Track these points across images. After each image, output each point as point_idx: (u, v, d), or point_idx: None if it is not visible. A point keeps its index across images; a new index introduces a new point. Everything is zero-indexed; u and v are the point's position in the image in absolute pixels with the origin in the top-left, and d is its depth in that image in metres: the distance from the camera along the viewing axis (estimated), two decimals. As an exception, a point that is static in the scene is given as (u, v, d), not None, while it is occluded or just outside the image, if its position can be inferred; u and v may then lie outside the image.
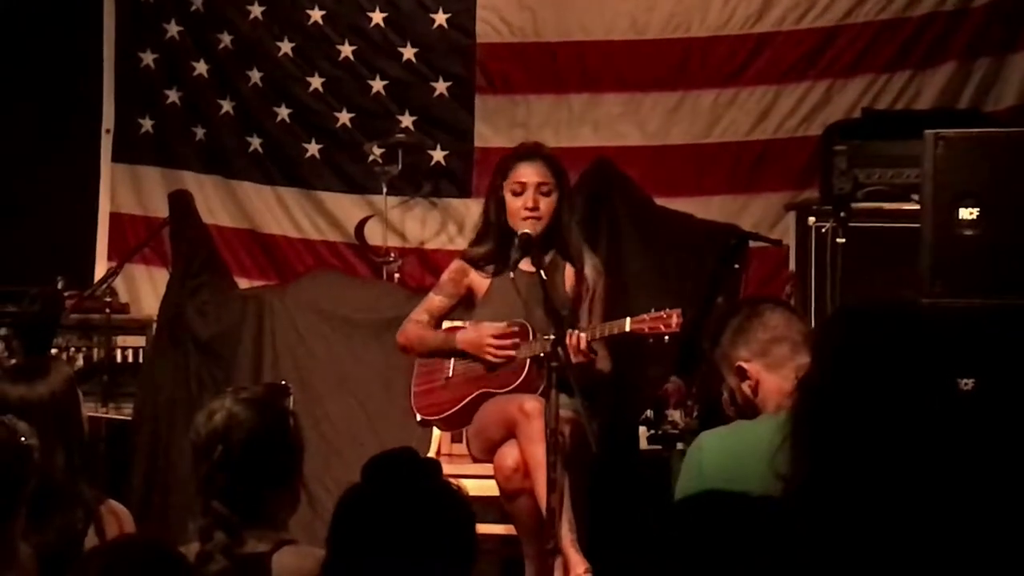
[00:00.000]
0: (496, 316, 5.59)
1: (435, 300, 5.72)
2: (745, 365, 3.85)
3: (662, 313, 5.17)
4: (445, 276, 5.78)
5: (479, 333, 5.55)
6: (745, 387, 3.86)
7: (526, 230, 5.45)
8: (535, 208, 5.51)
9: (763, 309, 3.94)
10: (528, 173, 5.56)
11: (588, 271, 5.62)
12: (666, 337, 5.21)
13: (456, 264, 5.77)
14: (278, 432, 3.46)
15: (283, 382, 3.70)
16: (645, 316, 5.21)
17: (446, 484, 2.72)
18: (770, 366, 3.83)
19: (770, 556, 1.84)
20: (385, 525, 2.61)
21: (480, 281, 5.67)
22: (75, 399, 3.92)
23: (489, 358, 5.51)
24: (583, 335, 5.28)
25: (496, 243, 5.62)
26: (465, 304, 5.74)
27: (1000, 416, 2.32)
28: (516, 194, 5.55)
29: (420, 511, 2.64)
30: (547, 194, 5.55)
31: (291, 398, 3.57)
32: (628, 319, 5.26)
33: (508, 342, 5.50)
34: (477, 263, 5.67)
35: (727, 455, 3.68)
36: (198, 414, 3.48)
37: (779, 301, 4.35)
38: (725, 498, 1.95)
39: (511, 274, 5.56)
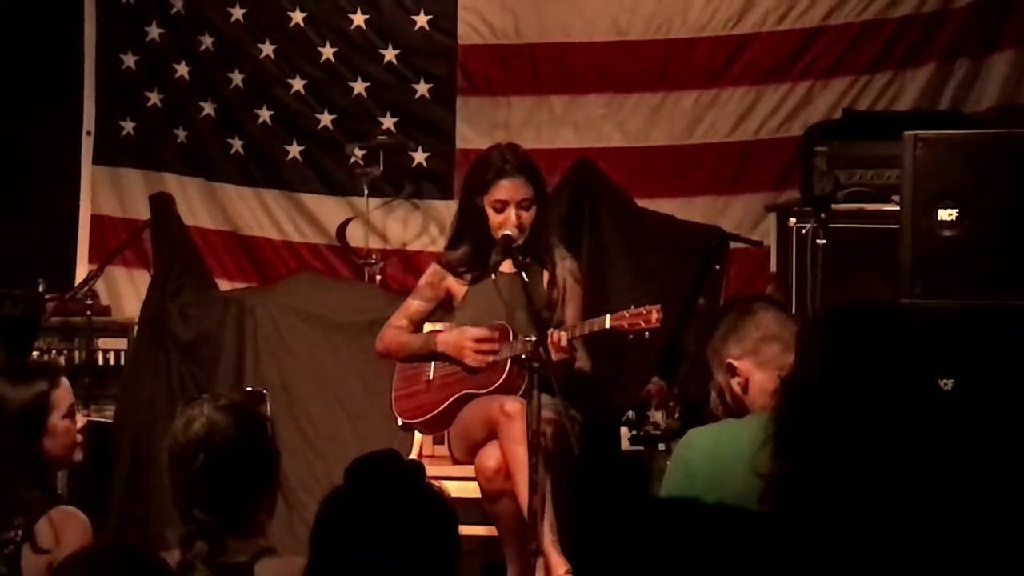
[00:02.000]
0: (476, 319, 5.58)
1: (413, 304, 5.71)
2: (735, 362, 3.87)
3: (642, 309, 5.16)
4: (423, 280, 5.76)
5: (460, 336, 5.55)
6: (735, 384, 3.88)
7: (507, 232, 5.43)
8: (519, 225, 5.48)
9: (757, 308, 3.97)
10: (510, 191, 5.49)
11: (559, 272, 5.60)
12: (646, 333, 5.20)
13: (433, 267, 5.75)
14: (258, 439, 3.44)
15: (250, 388, 3.67)
16: (625, 313, 5.21)
17: (429, 486, 2.72)
18: (760, 364, 3.85)
19: (751, 557, 1.84)
20: (368, 527, 2.61)
21: (458, 284, 5.66)
22: (41, 414, 3.91)
23: (469, 361, 5.51)
24: (563, 333, 5.27)
25: (473, 248, 5.60)
26: (444, 307, 5.73)
27: (980, 416, 2.33)
28: (497, 211, 5.51)
29: (403, 513, 2.64)
30: (528, 208, 5.52)
31: (268, 404, 3.55)
32: (608, 316, 5.25)
33: (488, 346, 5.49)
34: (455, 269, 5.65)
35: (715, 453, 3.69)
36: (175, 421, 3.45)
37: (773, 301, 4.36)
38: (707, 505, 1.95)
39: (492, 276, 5.55)
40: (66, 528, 3.78)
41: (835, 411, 2.29)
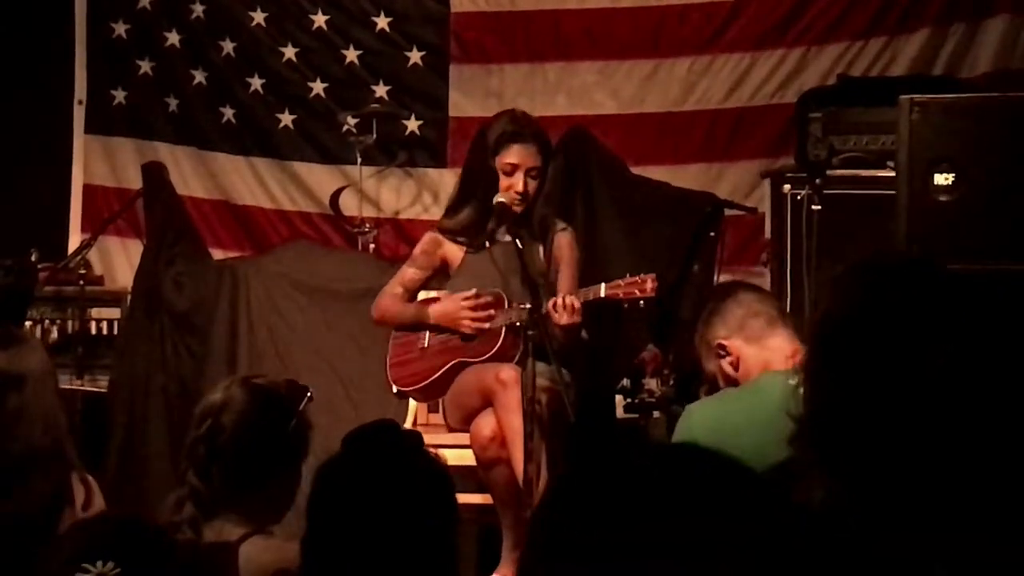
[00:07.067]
0: (472, 287, 5.56)
1: (409, 272, 5.70)
2: (725, 342, 3.93)
3: (637, 278, 5.16)
4: (418, 248, 5.75)
5: (453, 304, 5.53)
6: (726, 365, 3.92)
7: (501, 199, 5.41)
8: (524, 193, 5.46)
9: (736, 289, 4.11)
10: (522, 156, 5.46)
11: (555, 242, 5.58)
12: (641, 302, 5.20)
13: (429, 236, 5.74)
14: (273, 426, 3.42)
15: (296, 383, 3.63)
16: (620, 281, 5.20)
17: (427, 455, 2.72)
18: (749, 339, 3.92)
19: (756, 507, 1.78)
20: (366, 497, 2.62)
21: (455, 252, 5.64)
22: (53, 369, 3.91)
23: (465, 327, 5.50)
24: (573, 296, 5.22)
25: (476, 214, 5.58)
26: (440, 275, 5.71)
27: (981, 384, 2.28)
28: (507, 174, 5.49)
29: (401, 483, 2.64)
30: (535, 178, 5.50)
31: (307, 400, 3.51)
32: (603, 285, 5.24)
33: (483, 313, 5.48)
34: (454, 235, 5.63)
35: (717, 424, 3.72)
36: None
37: (751, 284, 4.43)
38: (706, 453, 1.88)
39: (487, 243, 5.54)
40: (93, 494, 3.79)
41: (873, 349, 2.24)
